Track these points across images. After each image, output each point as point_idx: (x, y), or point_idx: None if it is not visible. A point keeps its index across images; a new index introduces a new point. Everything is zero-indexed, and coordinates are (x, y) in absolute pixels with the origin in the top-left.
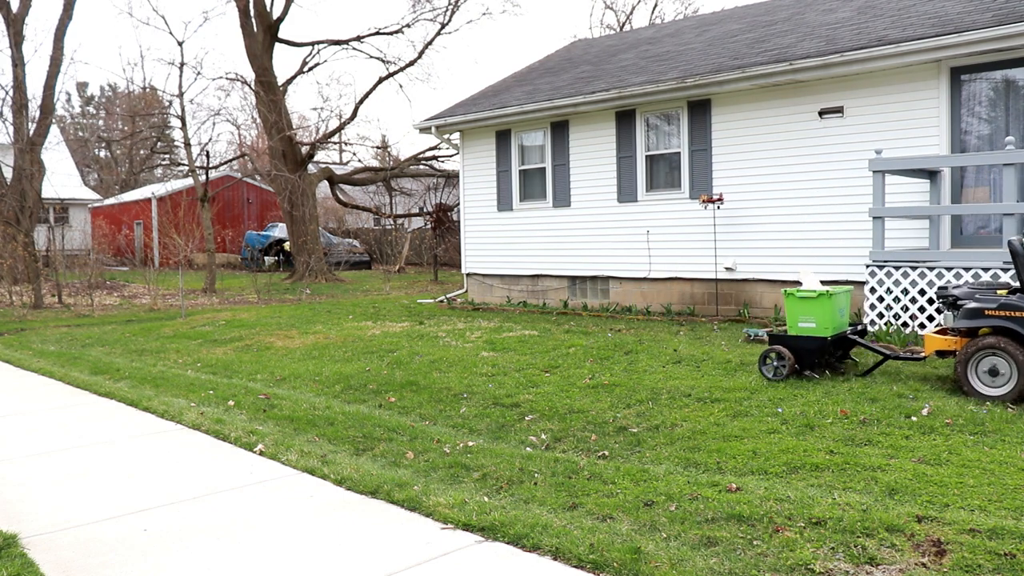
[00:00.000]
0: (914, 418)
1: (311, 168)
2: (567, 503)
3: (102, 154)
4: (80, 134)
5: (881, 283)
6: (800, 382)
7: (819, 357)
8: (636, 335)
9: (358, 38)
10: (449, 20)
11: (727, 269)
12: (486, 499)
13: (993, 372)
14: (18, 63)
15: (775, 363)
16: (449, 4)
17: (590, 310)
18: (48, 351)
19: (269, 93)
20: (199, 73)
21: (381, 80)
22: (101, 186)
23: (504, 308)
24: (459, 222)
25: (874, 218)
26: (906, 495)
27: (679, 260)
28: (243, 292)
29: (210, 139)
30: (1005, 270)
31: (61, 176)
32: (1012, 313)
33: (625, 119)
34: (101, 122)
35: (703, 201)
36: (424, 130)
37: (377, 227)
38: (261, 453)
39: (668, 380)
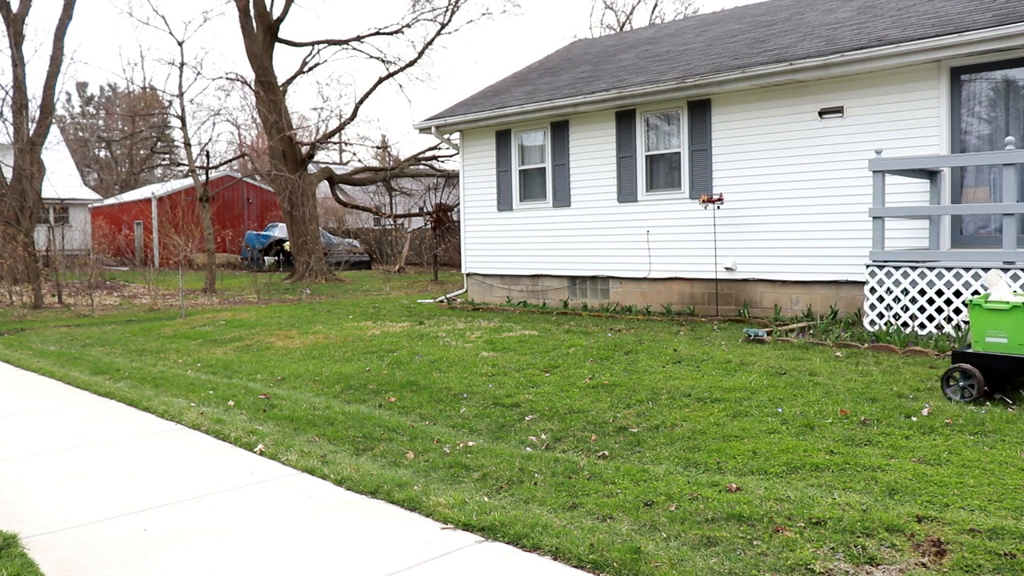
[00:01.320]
0: (914, 418)
1: (311, 168)
2: (567, 503)
3: (102, 154)
4: (80, 134)
5: (881, 283)
6: (802, 378)
7: (1014, 378)
8: (636, 335)
9: (358, 38)
10: (449, 20)
11: (727, 269)
12: (486, 499)
13: None
14: (18, 63)
15: (961, 383)
16: (449, 4)
17: (590, 310)
18: (48, 351)
19: (269, 93)
20: (199, 73)
21: (381, 80)
22: (101, 186)
23: (504, 308)
24: (459, 222)
25: (874, 218)
26: (906, 495)
27: (679, 260)
28: (243, 292)
29: (210, 139)
30: (1005, 270)
31: (61, 176)
32: None
33: (625, 119)
34: (101, 122)
35: (703, 201)
36: (424, 130)
37: (377, 227)
38: (261, 453)
39: (668, 380)
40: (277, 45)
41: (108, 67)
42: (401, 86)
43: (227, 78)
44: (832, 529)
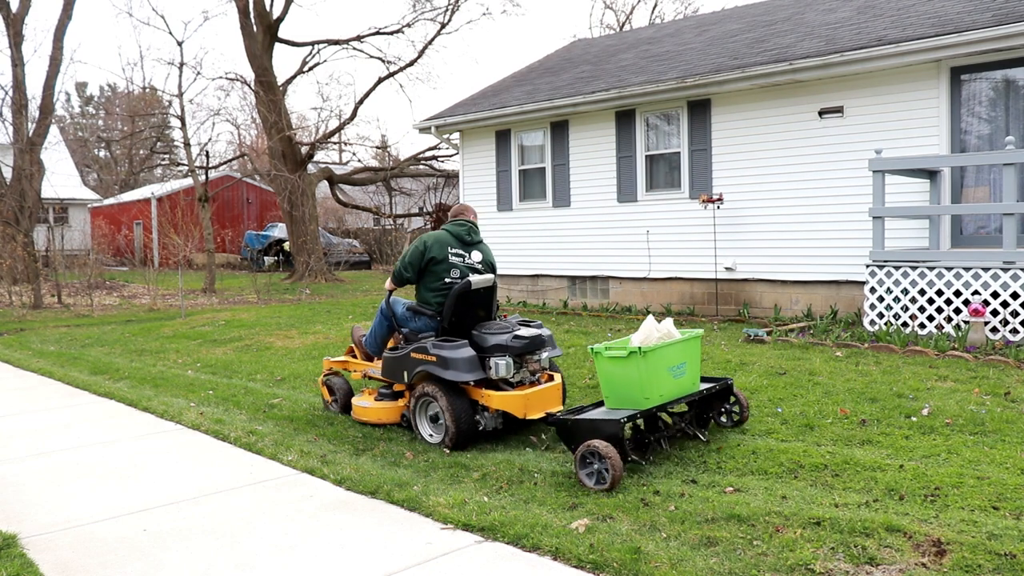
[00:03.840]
0: (914, 418)
1: (311, 168)
2: (567, 503)
3: (102, 154)
4: (80, 134)
5: (881, 283)
6: (802, 378)
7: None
8: None
9: (358, 38)
10: (449, 20)
11: (727, 269)
12: (486, 499)
13: None
14: (18, 63)
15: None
16: (449, 4)
17: (590, 310)
18: (48, 351)
19: (269, 93)
20: (199, 73)
21: (381, 80)
22: (101, 186)
23: (504, 308)
24: None
25: (874, 218)
26: (906, 495)
27: (679, 260)
28: (243, 292)
29: (210, 139)
30: (1005, 270)
31: (61, 176)
32: None
33: (625, 119)
34: (101, 122)
35: (703, 201)
36: (424, 130)
37: (377, 227)
38: (261, 453)
39: None
40: (277, 45)
41: (108, 67)
42: (401, 86)
43: (227, 78)
44: (832, 529)
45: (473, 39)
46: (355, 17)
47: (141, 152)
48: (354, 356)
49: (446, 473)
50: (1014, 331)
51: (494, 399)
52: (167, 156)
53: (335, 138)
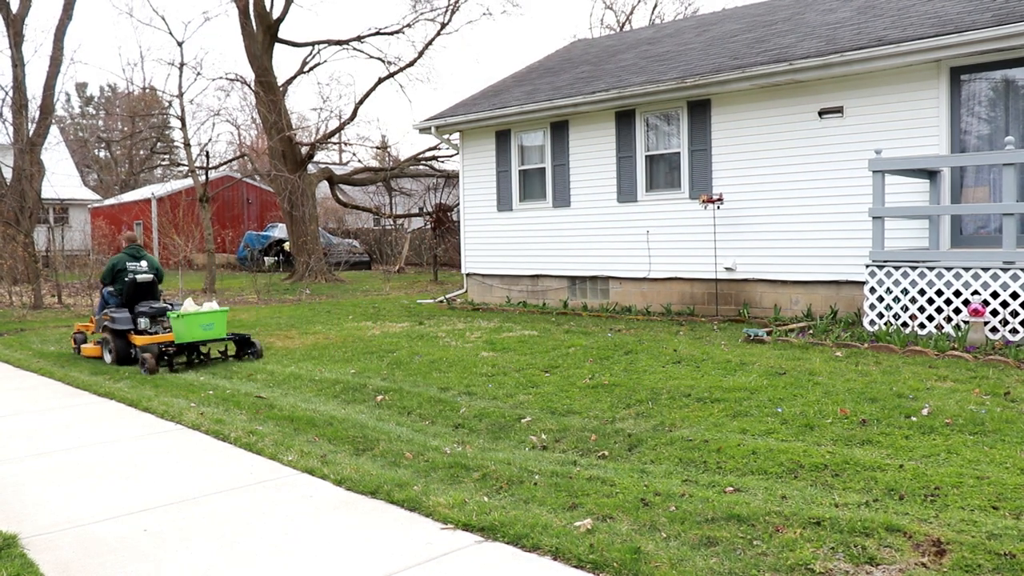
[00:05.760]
0: (914, 418)
1: (311, 168)
2: (567, 503)
3: (102, 154)
4: (80, 134)
5: (881, 283)
6: (802, 378)
7: (182, 355)
8: (636, 335)
9: (358, 38)
10: (449, 20)
11: (727, 269)
12: (486, 499)
13: None
14: (18, 63)
15: (144, 364)
16: (449, 4)
17: (590, 310)
18: (48, 351)
19: (269, 93)
20: (199, 73)
21: (381, 80)
22: (101, 186)
23: (504, 308)
24: (459, 222)
25: (874, 218)
26: (906, 495)
27: (679, 260)
28: (243, 292)
29: (210, 139)
30: (1005, 270)
31: (61, 176)
32: None
33: (625, 119)
34: (101, 122)
35: (703, 201)
36: (424, 130)
37: (377, 227)
38: (261, 453)
39: (668, 380)
40: (277, 45)
41: (108, 67)
42: (401, 86)
43: (227, 78)
44: (832, 529)
45: (473, 39)
46: (355, 17)
47: (141, 152)
48: (91, 322)
49: (446, 473)
50: (1014, 331)
51: (138, 340)
52: (167, 156)
53: (335, 138)
